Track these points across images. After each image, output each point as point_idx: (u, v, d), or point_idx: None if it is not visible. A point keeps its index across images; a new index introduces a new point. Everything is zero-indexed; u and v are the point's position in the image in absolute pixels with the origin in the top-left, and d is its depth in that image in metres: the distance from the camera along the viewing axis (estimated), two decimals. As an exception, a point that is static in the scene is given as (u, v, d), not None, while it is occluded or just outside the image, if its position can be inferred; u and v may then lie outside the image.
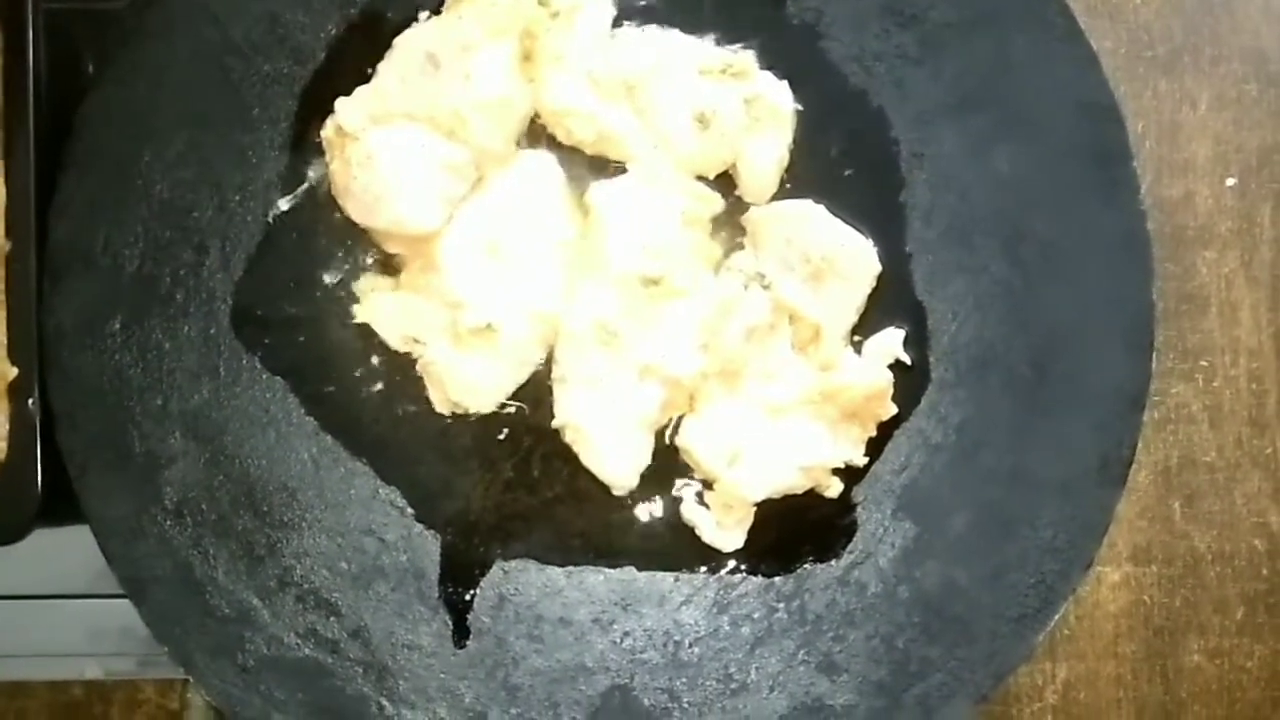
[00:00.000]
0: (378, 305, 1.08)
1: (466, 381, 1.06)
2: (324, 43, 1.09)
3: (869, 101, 1.09)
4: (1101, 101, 1.06)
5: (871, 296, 1.08)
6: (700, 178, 1.09)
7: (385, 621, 1.05)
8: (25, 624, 1.14)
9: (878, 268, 1.07)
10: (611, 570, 1.07)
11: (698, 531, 1.07)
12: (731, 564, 1.07)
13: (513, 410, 1.08)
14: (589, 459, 1.06)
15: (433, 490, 1.08)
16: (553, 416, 1.06)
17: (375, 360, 1.08)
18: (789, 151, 1.09)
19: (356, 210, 1.07)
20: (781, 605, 1.06)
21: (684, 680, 1.05)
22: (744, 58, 1.09)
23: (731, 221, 1.10)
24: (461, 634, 1.06)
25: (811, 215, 1.07)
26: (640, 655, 1.06)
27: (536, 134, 1.10)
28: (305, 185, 1.09)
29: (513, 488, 1.08)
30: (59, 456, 1.02)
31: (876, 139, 1.09)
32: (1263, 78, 1.25)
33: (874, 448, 1.07)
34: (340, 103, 1.06)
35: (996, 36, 1.08)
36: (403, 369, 1.08)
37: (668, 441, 1.08)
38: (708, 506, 1.07)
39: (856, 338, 1.09)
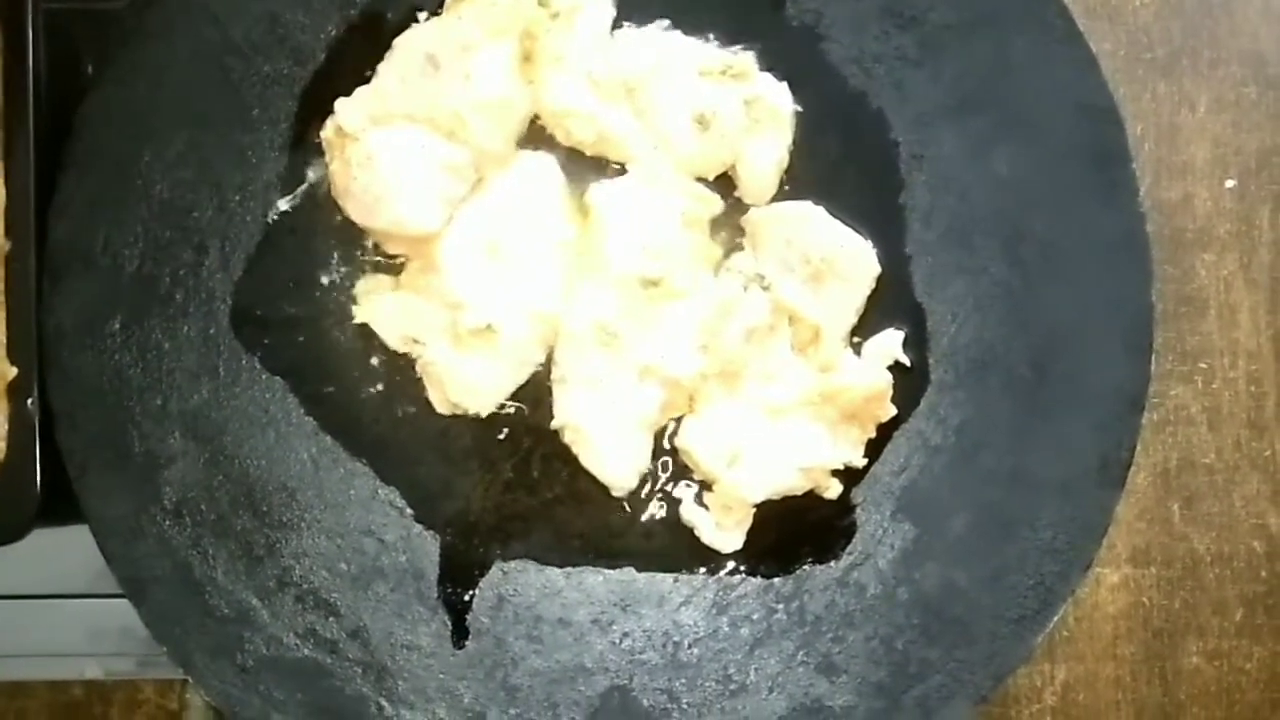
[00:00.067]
0: (377, 306, 1.08)
1: (466, 382, 1.06)
2: (324, 43, 1.09)
3: (868, 103, 1.09)
4: (1100, 103, 1.07)
5: (871, 298, 1.08)
6: (700, 179, 1.09)
7: (384, 622, 1.05)
8: (25, 624, 1.14)
9: (877, 269, 1.07)
10: (611, 571, 1.07)
11: (697, 532, 1.07)
12: (731, 565, 1.07)
13: (512, 411, 1.08)
14: (588, 460, 1.06)
15: (432, 491, 1.08)
16: (552, 417, 1.07)
17: (375, 361, 1.08)
18: (789, 153, 1.09)
19: (356, 211, 1.07)
20: (781, 606, 1.06)
21: (683, 681, 1.05)
22: (744, 59, 1.09)
23: (731, 223, 1.10)
24: (460, 634, 1.06)
25: (811, 216, 1.07)
26: (639, 656, 1.06)
27: (536, 135, 1.10)
28: (305, 186, 1.09)
29: (512, 488, 1.08)
30: (58, 456, 1.02)
31: (876, 140, 1.09)
32: (1262, 80, 1.25)
33: (873, 449, 1.07)
34: (340, 103, 1.06)
35: (996, 38, 1.08)
36: (402, 369, 1.08)
37: (667, 442, 1.08)
38: (707, 507, 1.07)
39: (856, 339, 1.09)
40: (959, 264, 1.08)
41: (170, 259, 1.06)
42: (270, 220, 1.08)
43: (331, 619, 1.05)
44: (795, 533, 1.07)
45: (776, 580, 1.07)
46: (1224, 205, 1.24)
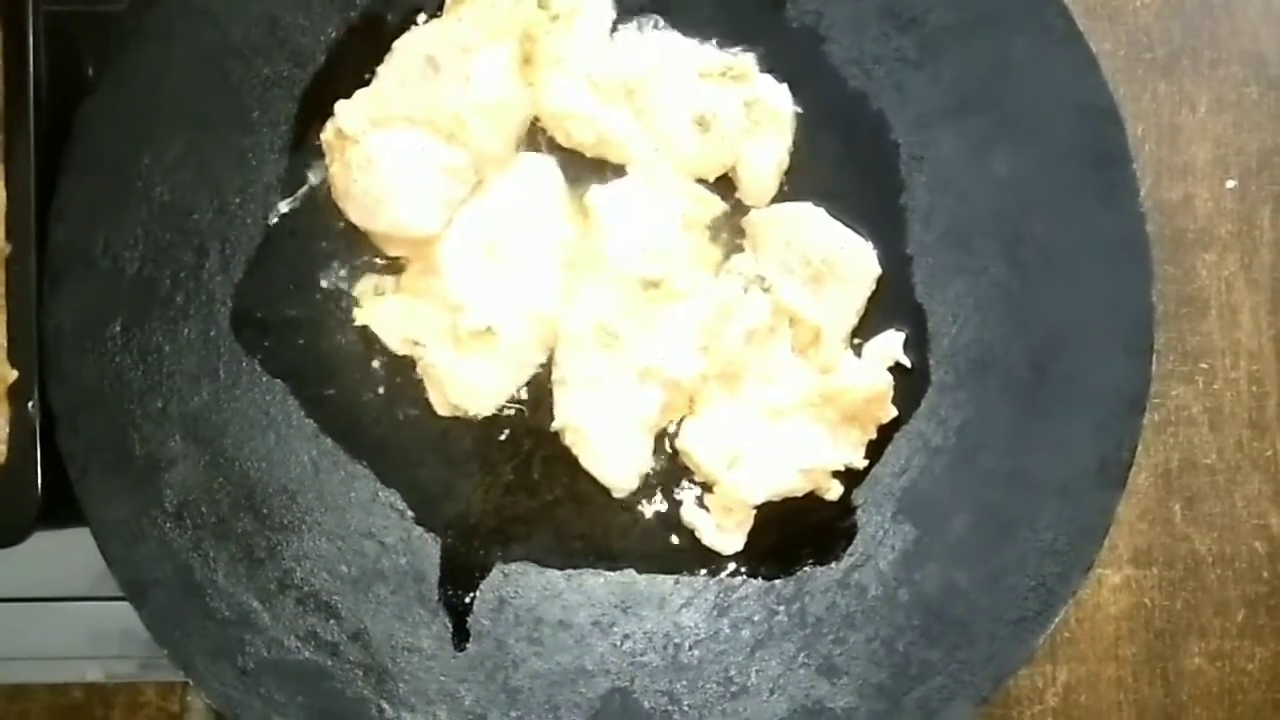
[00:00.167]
0: (378, 308, 1.08)
1: (466, 384, 1.06)
2: (324, 45, 1.09)
3: (869, 104, 1.09)
4: (1101, 104, 1.07)
5: (871, 299, 1.08)
6: (700, 180, 1.09)
7: (385, 624, 1.05)
8: (26, 627, 1.14)
9: (877, 270, 1.07)
10: (611, 573, 1.07)
11: (698, 534, 1.07)
12: (732, 566, 1.07)
13: (513, 413, 1.08)
14: (589, 461, 1.06)
15: (433, 493, 1.08)
16: (553, 419, 1.06)
17: (375, 363, 1.08)
18: (789, 154, 1.09)
19: (356, 213, 1.07)
20: (782, 608, 1.06)
21: (684, 683, 1.05)
22: (744, 60, 1.09)
23: (731, 224, 1.10)
24: (461, 637, 1.06)
25: (811, 218, 1.07)
26: (640, 658, 1.06)
27: (536, 137, 1.10)
28: (305, 188, 1.09)
29: (513, 490, 1.08)
30: (59, 459, 1.02)
31: (876, 142, 1.09)
32: (1262, 80, 1.25)
33: (874, 450, 1.07)
34: (340, 106, 1.06)
35: (996, 39, 1.08)
36: (403, 372, 1.08)
37: (668, 444, 1.08)
38: (708, 509, 1.07)
39: (856, 340, 1.09)
40: (959, 265, 1.08)
41: (170, 261, 1.06)
42: (270, 222, 1.08)
43: (332, 621, 1.05)
44: (796, 534, 1.07)
45: (777, 582, 1.07)
46: (1225, 205, 1.24)
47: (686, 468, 1.08)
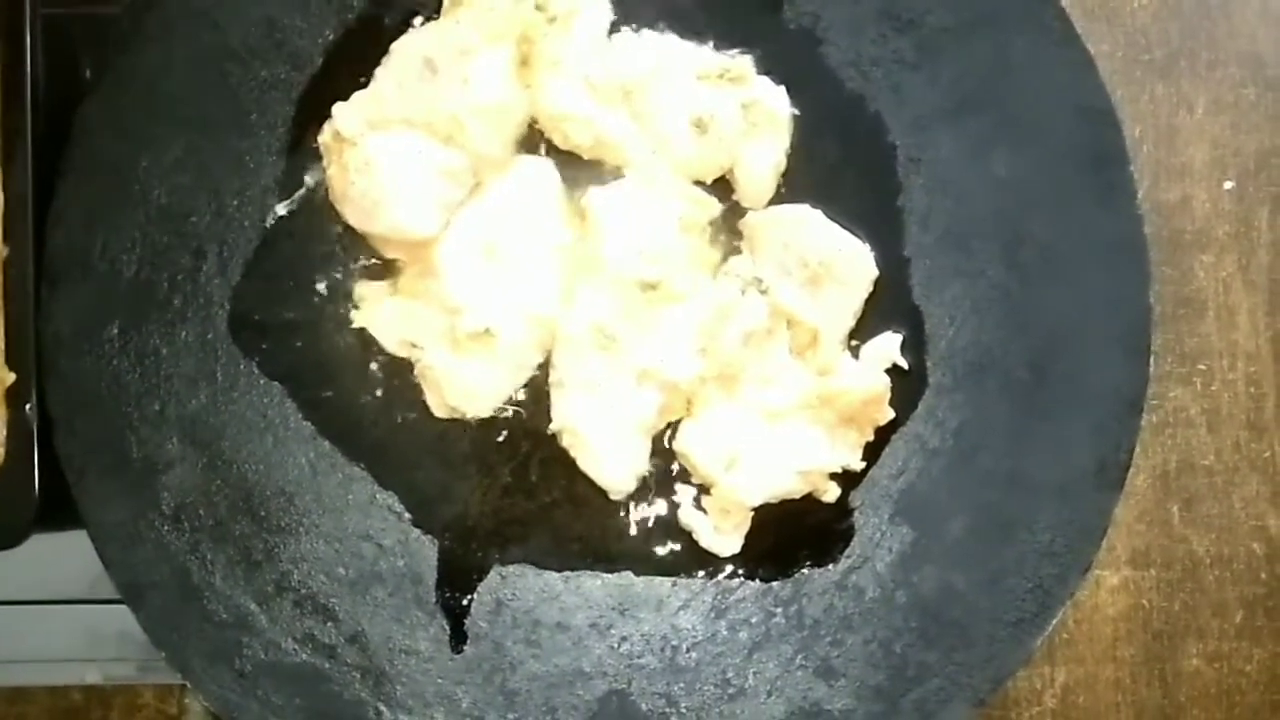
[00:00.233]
0: (375, 310, 1.08)
1: (464, 386, 1.06)
2: (321, 48, 1.09)
3: (866, 106, 1.09)
4: (1098, 105, 1.07)
5: (869, 301, 1.08)
6: (698, 182, 1.09)
7: (383, 626, 1.05)
8: (24, 629, 1.14)
9: (875, 272, 1.07)
10: (609, 575, 1.07)
11: (695, 536, 1.07)
12: (729, 569, 1.07)
13: (510, 415, 1.08)
14: (586, 463, 1.06)
15: (430, 495, 1.08)
16: (550, 421, 1.07)
17: (373, 365, 1.08)
18: (786, 156, 1.09)
19: (354, 215, 1.07)
20: (779, 610, 1.06)
21: (681, 685, 1.05)
22: (741, 63, 1.09)
23: (729, 226, 1.10)
24: (459, 639, 1.06)
25: (809, 220, 1.07)
26: (638, 660, 1.06)
27: (534, 139, 1.10)
28: (303, 190, 1.09)
29: (510, 492, 1.08)
30: (57, 462, 1.02)
31: (874, 144, 1.09)
32: (1260, 81, 1.25)
33: (871, 452, 1.07)
34: (338, 108, 1.06)
35: (993, 41, 1.08)
36: (400, 374, 1.08)
37: (666, 446, 1.08)
38: (705, 511, 1.07)
39: (854, 342, 1.09)
40: (957, 267, 1.08)
41: (168, 264, 1.06)
42: (268, 225, 1.08)
43: (330, 624, 1.05)
44: (793, 536, 1.07)
45: (775, 584, 1.07)
46: (1222, 207, 1.24)
47: (684, 469, 1.08)
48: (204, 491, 1.05)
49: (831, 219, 1.07)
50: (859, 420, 1.06)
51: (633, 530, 1.08)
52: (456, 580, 1.07)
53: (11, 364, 1.01)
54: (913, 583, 1.05)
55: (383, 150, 1.05)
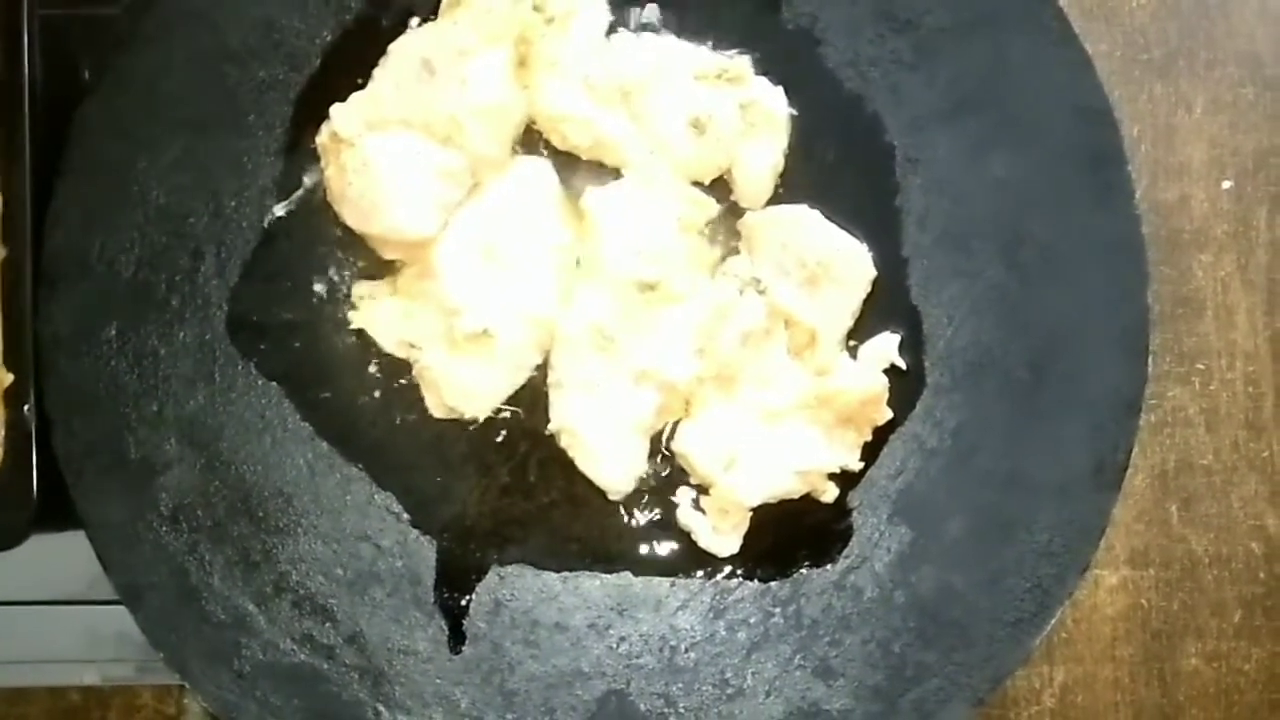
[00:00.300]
0: (374, 311, 1.08)
1: (462, 387, 1.06)
2: (319, 49, 1.09)
3: (864, 107, 1.09)
4: (1096, 105, 1.07)
5: (867, 301, 1.08)
6: (696, 183, 1.09)
7: (381, 627, 1.05)
8: (22, 630, 1.14)
9: (873, 272, 1.07)
10: (607, 575, 1.07)
11: (694, 536, 1.07)
12: (727, 569, 1.07)
13: (508, 415, 1.08)
14: (584, 464, 1.06)
15: (429, 496, 1.08)
16: (548, 421, 1.07)
17: (371, 366, 1.08)
18: (784, 156, 1.09)
19: (352, 216, 1.07)
20: (778, 610, 1.06)
21: (680, 685, 1.05)
22: (739, 63, 1.09)
23: (727, 226, 1.10)
24: (457, 639, 1.06)
25: (807, 220, 1.07)
26: (636, 660, 1.06)
27: (532, 139, 1.10)
28: (301, 191, 1.09)
29: (509, 493, 1.08)
30: (55, 462, 1.02)
31: (872, 144, 1.09)
32: (1258, 81, 1.25)
33: (869, 453, 1.07)
34: (336, 109, 1.06)
35: (991, 41, 1.08)
36: (399, 374, 1.08)
37: (664, 446, 1.08)
38: (704, 511, 1.07)
39: (852, 343, 1.09)
40: (955, 267, 1.08)
41: (166, 265, 1.06)
42: (266, 226, 1.08)
43: (328, 624, 1.05)
44: (792, 536, 1.07)
45: (773, 584, 1.07)
46: (1221, 206, 1.24)
47: (682, 470, 1.08)
48: (202, 492, 1.05)
49: (829, 219, 1.07)
50: (857, 420, 1.06)
51: (631, 531, 1.08)
52: (455, 581, 1.07)
53: (10, 365, 1.01)
54: (911, 583, 1.05)
55: (381, 151, 1.05)
